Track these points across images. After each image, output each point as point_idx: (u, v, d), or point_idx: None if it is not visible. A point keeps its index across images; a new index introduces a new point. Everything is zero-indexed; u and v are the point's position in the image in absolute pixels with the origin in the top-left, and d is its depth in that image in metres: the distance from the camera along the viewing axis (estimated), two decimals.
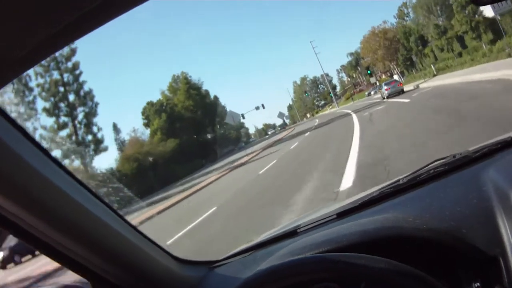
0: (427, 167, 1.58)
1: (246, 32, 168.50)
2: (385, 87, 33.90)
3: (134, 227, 1.20)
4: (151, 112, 73.40)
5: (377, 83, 72.57)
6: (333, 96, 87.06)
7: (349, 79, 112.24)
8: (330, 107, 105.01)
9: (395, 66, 56.54)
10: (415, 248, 1.18)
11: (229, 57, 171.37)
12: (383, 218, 1.32)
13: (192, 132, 75.58)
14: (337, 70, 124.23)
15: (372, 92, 73.48)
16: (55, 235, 0.96)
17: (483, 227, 1.14)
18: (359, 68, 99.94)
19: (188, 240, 9.58)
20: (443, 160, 1.57)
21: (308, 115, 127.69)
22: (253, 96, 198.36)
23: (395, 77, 60.89)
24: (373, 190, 1.64)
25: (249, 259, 1.53)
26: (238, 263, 1.54)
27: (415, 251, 1.18)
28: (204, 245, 8.27)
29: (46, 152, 0.94)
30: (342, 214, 1.54)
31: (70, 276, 1.13)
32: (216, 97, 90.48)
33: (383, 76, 74.29)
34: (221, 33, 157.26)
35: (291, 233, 1.58)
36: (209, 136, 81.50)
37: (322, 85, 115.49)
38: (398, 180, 1.57)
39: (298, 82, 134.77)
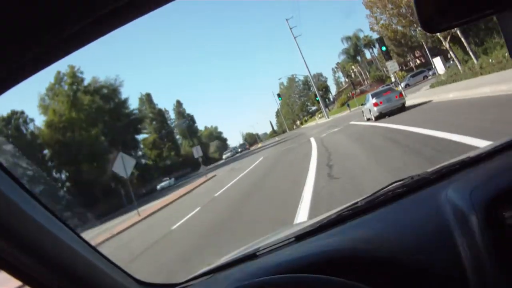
0: (385, 189, 1.59)
1: (228, 35, 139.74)
2: (373, 101, 20.12)
3: (95, 248, 1.18)
4: None
5: (393, 79, 43.17)
6: (320, 100, 57.01)
7: (346, 79, 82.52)
8: (319, 116, 75.22)
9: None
10: (374, 269, 1.19)
11: (209, 64, 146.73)
12: (340, 239, 1.34)
13: (84, 163, 44.46)
14: (332, 69, 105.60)
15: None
16: (15, 252, 0.95)
17: (441, 247, 1.17)
18: (359, 59, 69.29)
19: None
20: (401, 182, 1.59)
21: (298, 122, 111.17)
22: (238, 103, 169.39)
23: (435, 64, 31.24)
24: (331, 212, 1.64)
25: (210, 282, 1.54)
26: (200, 286, 1.55)
27: (374, 272, 1.18)
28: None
29: (5, 170, 0.95)
30: (301, 237, 1.54)
31: None
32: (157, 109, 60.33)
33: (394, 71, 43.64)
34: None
35: (251, 256, 1.57)
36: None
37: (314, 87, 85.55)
38: (357, 203, 1.58)
39: (285, 84, 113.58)
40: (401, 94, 20.57)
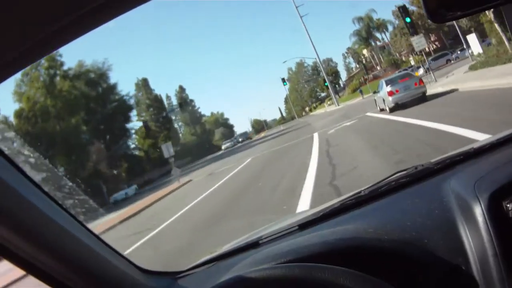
0: (388, 179, 1.59)
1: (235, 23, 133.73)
2: (387, 88, 17.07)
3: (98, 237, 1.20)
4: None
5: (412, 63, 37.69)
6: (329, 86, 51.38)
7: (357, 65, 76.77)
8: (328, 103, 69.57)
9: None
10: (376, 259, 1.19)
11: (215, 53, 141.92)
12: (343, 229, 1.34)
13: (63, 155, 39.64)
14: (343, 54, 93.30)
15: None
16: (19, 242, 0.96)
17: (445, 237, 1.18)
18: (372, 43, 63.09)
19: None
20: (405, 172, 1.60)
21: (307, 109, 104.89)
22: (247, 89, 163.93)
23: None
24: (334, 201, 1.64)
25: (213, 270, 1.54)
26: (202, 274, 1.56)
27: (376, 261, 1.18)
28: None
29: (9, 160, 0.96)
30: (304, 226, 1.55)
31: (36, 284, 1.10)
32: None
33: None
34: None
35: (254, 244, 1.58)
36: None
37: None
38: (360, 192, 1.58)
39: (294, 69, 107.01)
40: (421, 81, 17.15)
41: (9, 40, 0.69)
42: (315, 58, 57.57)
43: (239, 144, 62.33)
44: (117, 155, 50.30)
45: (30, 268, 1.00)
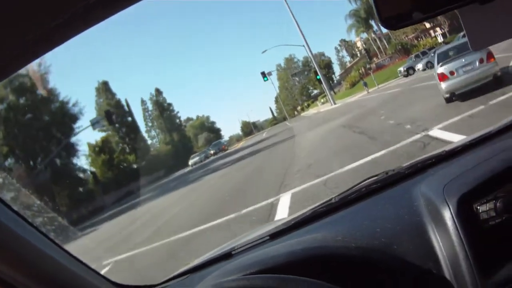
0: (359, 185, 1.60)
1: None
2: (439, 70, 11.19)
3: (71, 254, 1.19)
4: None
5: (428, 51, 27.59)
6: (322, 80, 40.64)
7: (351, 59, 66.61)
8: (322, 101, 58.95)
9: None
10: (345, 267, 1.20)
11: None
12: (311, 238, 1.34)
13: None
14: (335, 48, 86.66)
15: (420, 66, 31.23)
16: None
17: (414, 242, 1.19)
18: (374, 26, 52.05)
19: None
20: (376, 178, 1.60)
21: (299, 108, 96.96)
22: (235, 89, 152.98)
23: None
24: (306, 210, 1.65)
25: (186, 282, 1.57)
26: (176, 286, 1.58)
27: (345, 270, 1.19)
28: None
29: None
30: (275, 235, 1.55)
31: None
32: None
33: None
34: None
35: (227, 255, 1.59)
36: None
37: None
38: (331, 199, 1.59)
39: (283, 65, 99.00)
40: (490, 55, 10.44)
41: (5, 39, 0.67)
42: (303, 45, 46.51)
43: (212, 158, 51.41)
44: (51, 180, 38.82)
45: (4, 285, 0.97)
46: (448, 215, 1.14)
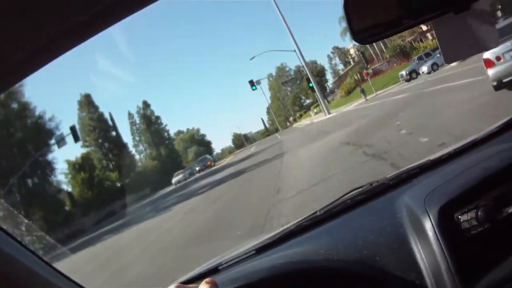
0: (344, 197, 1.61)
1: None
2: (487, 54, 9.20)
3: (51, 265, 1.14)
4: None
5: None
6: (315, 88, 38.05)
7: (344, 67, 64.11)
8: (315, 111, 56.36)
9: None
10: (327, 280, 1.22)
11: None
12: (293, 252, 1.35)
13: None
14: (328, 55, 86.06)
15: (425, 69, 28.79)
16: None
17: (397, 253, 1.19)
18: None
19: None
20: (360, 189, 1.61)
21: (291, 119, 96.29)
22: (228, 100, 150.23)
23: None
24: (292, 223, 1.65)
25: None
26: None
27: (327, 283, 1.21)
28: None
29: None
30: (261, 250, 1.55)
31: None
32: None
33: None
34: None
35: (214, 270, 1.59)
36: None
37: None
38: (316, 212, 1.59)
39: (274, 74, 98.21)
40: None
41: (12, 45, 0.67)
42: (294, 50, 43.68)
43: (197, 175, 47.18)
44: (22, 202, 35.34)
45: None
46: (429, 225, 1.15)
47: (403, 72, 31.70)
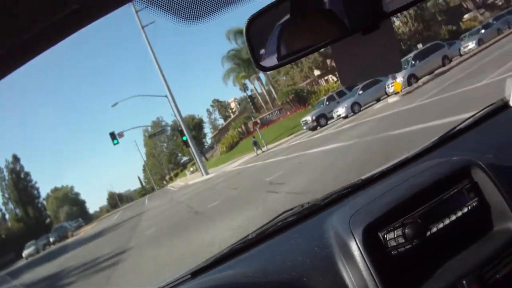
0: (275, 220, 1.58)
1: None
2: None
3: None
4: None
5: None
6: (189, 142, 28.13)
7: (224, 122, 60.46)
8: (191, 169, 46.72)
9: None
10: None
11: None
12: (221, 276, 1.36)
13: None
14: (207, 110, 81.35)
15: (341, 111, 15.53)
16: None
17: (324, 274, 1.19)
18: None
19: None
20: (291, 211, 1.59)
21: (167, 177, 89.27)
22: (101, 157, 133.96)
23: None
24: (225, 247, 1.63)
25: None
26: None
27: None
28: None
29: None
30: (196, 273, 1.54)
31: None
32: None
33: None
34: None
35: None
36: None
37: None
38: (248, 236, 1.57)
39: (150, 129, 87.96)
40: None
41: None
42: (166, 96, 33.88)
43: (52, 247, 38.70)
44: None
45: None
46: (354, 245, 1.13)
47: (308, 118, 23.23)
